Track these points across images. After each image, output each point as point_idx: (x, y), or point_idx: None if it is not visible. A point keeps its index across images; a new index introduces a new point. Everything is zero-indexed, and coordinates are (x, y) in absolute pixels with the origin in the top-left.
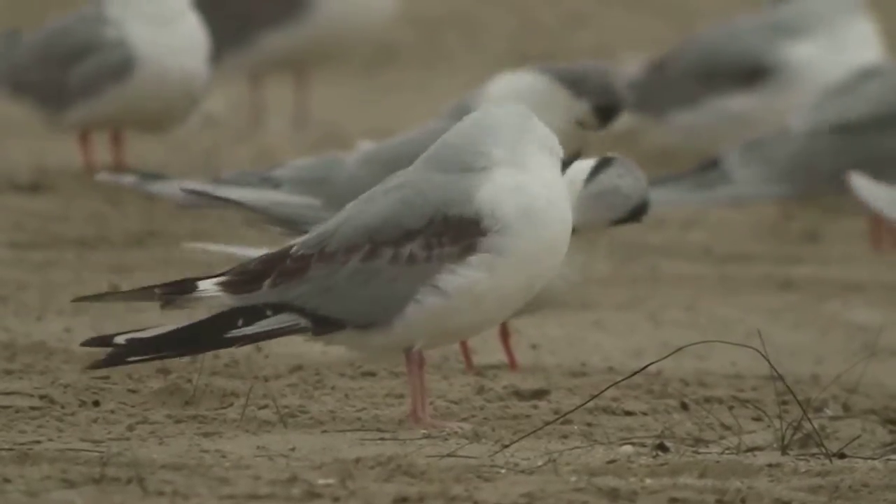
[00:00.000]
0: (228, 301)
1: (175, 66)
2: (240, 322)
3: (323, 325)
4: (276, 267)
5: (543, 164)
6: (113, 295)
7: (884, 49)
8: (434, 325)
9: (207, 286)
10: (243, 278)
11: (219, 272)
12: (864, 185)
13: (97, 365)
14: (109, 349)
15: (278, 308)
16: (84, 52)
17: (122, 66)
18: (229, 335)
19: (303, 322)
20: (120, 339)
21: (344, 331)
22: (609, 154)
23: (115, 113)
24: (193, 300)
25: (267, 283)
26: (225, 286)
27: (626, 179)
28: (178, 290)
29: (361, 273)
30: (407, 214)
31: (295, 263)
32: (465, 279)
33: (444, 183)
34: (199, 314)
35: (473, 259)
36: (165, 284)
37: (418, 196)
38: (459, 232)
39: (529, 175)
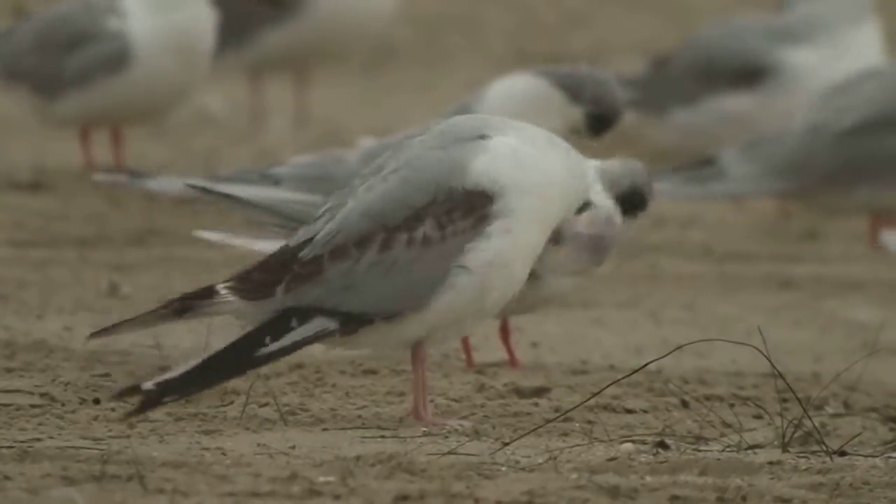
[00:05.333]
0: (244, 308)
1: (173, 62)
2: (267, 339)
3: (351, 325)
4: (281, 273)
5: (535, 135)
6: (126, 324)
7: (886, 52)
8: (468, 305)
9: (224, 294)
10: (252, 285)
11: (224, 281)
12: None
13: (134, 413)
14: (140, 396)
15: (302, 316)
16: (82, 40)
17: (118, 58)
18: (259, 353)
19: (331, 325)
20: (148, 385)
21: (373, 326)
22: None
23: (107, 106)
24: (209, 307)
25: (280, 288)
26: (239, 293)
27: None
28: (194, 298)
29: (379, 265)
30: (409, 192)
31: (306, 268)
32: (488, 252)
33: (439, 156)
34: (213, 335)
35: (490, 229)
36: (180, 298)
37: (416, 172)
38: (469, 204)
39: (520, 140)
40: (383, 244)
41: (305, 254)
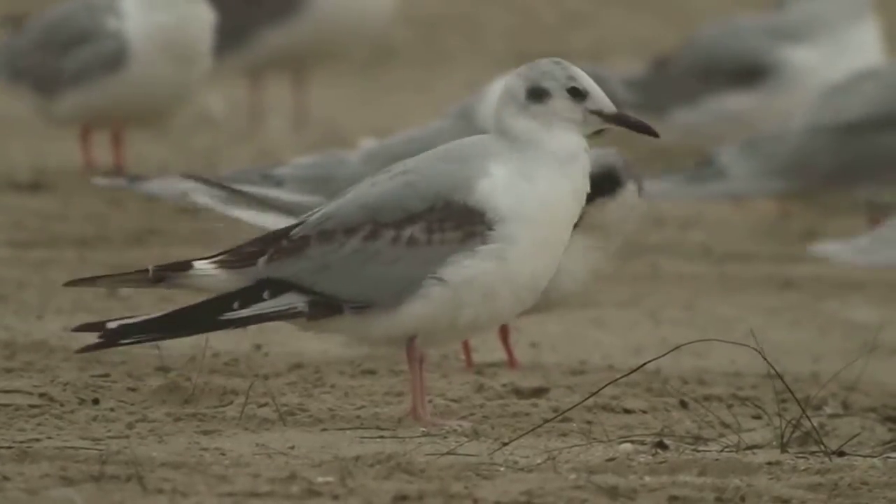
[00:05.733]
0: (223, 277)
1: (171, 61)
2: (235, 304)
3: (320, 308)
4: (268, 246)
5: (541, 167)
6: (107, 278)
7: (886, 51)
8: (438, 317)
9: (202, 265)
10: (239, 257)
11: (214, 253)
12: (829, 252)
13: (88, 349)
14: (101, 333)
15: (275, 289)
16: (82, 39)
17: (116, 57)
18: (224, 317)
19: (300, 305)
20: (112, 325)
21: (341, 316)
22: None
23: (106, 105)
24: (187, 278)
25: (263, 259)
26: (220, 263)
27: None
28: (172, 269)
29: (361, 253)
30: (409, 196)
31: (293, 243)
32: (470, 270)
33: (447, 170)
34: (191, 299)
35: (480, 249)
36: (159, 265)
37: (422, 180)
38: (462, 219)
39: (526, 174)
40: (369, 235)
41: (296, 232)
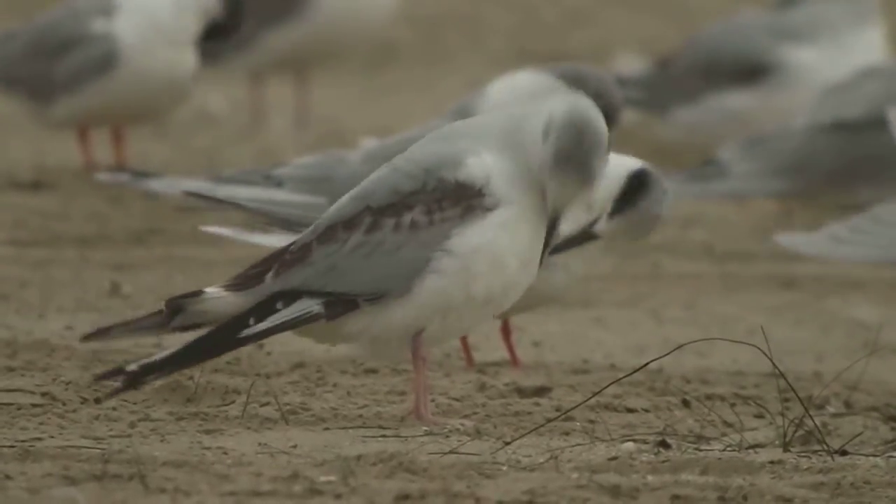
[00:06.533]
0: (233, 300)
1: (160, 62)
2: (251, 320)
3: (336, 308)
4: (276, 262)
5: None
6: (120, 327)
7: (889, 53)
8: (452, 291)
9: (213, 290)
10: (245, 279)
11: (221, 282)
12: (795, 243)
13: (112, 394)
14: (123, 377)
15: (288, 299)
16: (70, 45)
17: (105, 60)
18: (243, 335)
19: (315, 308)
20: (132, 367)
21: (358, 311)
22: (637, 169)
23: (99, 108)
24: (200, 304)
25: (269, 275)
26: (228, 287)
27: (663, 204)
28: (184, 297)
29: (365, 245)
30: (399, 178)
31: (295, 254)
32: (475, 238)
33: (434, 149)
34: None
35: (482, 221)
36: (172, 297)
37: (409, 162)
38: (458, 195)
39: (510, 148)
40: (370, 226)
41: (296, 244)
